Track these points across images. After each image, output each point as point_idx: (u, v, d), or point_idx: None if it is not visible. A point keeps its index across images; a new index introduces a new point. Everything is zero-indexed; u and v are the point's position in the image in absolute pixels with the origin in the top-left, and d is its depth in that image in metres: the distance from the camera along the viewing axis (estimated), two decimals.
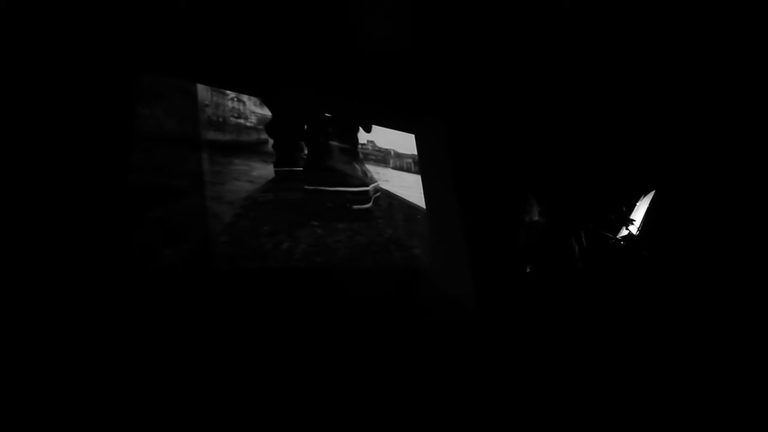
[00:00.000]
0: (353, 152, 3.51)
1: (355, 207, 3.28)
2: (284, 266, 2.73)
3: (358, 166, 3.47)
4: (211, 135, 2.86)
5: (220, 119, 2.94)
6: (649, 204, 2.89)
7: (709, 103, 2.94)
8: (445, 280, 3.32)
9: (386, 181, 3.58)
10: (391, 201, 3.51)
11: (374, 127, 3.69)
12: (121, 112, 2.48)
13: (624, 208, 3.02)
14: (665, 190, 2.94)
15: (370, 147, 3.61)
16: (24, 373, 1.79)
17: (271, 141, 3.11)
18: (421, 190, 3.67)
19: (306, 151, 3.28)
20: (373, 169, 3.54)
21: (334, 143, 3.41)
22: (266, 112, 3.20)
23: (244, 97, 3.13)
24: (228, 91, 3.04)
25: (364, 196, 3.36)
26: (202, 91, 2.92)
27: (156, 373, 2.05)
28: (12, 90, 2.10)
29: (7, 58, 2.12)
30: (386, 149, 3.70)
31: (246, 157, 2.97)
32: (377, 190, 3.46)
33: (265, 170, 3.03)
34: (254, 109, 3.14)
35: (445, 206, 3.69)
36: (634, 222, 3.00)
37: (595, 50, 3.18)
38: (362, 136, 3.60)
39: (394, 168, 3.68)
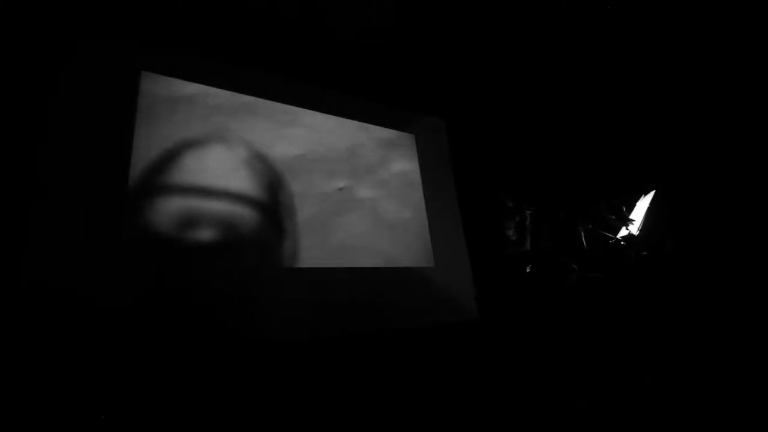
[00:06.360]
0: None
1: None
2: (280, 269, 2.69)
3: None
4: None
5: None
6: (649, 204, 2.93)
7: (709, 102, 2.98)
8: (445, 280, 3.32)
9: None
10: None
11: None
12: (123, 112, 2.46)
13: (624, 208, 3.05)
14: (665, 190, 2.97)
15: None
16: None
17: None
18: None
19: None
20: None
21: None
22: None
23: None
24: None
25: None
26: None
27: (147, 375, 2.02)
28: (12, 89, 2.10)
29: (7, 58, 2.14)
30: None
31: None
32: None
33: None
34: None
35: (445, 206, 3.70)
36: (633, 222, 3.03)
37: (595, 49, 3.21)
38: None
39: None
